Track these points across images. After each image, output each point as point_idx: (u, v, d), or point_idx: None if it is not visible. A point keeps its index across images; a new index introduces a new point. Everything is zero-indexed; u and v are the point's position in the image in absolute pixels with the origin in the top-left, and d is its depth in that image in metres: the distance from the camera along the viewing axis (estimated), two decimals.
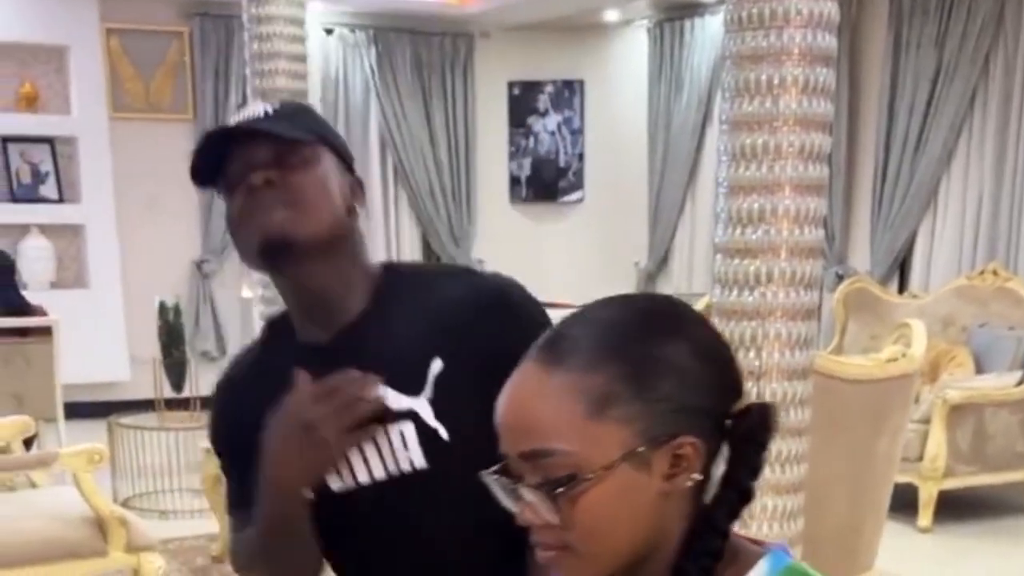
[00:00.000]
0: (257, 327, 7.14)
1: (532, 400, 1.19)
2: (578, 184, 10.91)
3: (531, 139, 10.91)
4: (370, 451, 1.73)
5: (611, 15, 10.07)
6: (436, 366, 1.72)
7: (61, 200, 9.24)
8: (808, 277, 3.48)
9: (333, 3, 9.62)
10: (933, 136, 7.76)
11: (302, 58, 6.83)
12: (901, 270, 8.17)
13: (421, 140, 10.40)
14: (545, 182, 10.97)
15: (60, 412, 6.99)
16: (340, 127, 10.08)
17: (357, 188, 1.83)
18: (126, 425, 6.47)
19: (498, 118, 10.84)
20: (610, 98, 10.63)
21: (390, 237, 10.50)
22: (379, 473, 1.73)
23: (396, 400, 1.71)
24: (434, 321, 1.75)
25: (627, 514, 1.19)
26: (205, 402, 6.68)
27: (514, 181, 10.99)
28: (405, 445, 1.72)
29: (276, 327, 1.89)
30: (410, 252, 10.61)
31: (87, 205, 9.27)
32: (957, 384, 6.48)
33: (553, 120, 10.88)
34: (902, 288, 8.03)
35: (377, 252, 10.33)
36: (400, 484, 1.73)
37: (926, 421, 6.27)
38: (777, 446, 3.40)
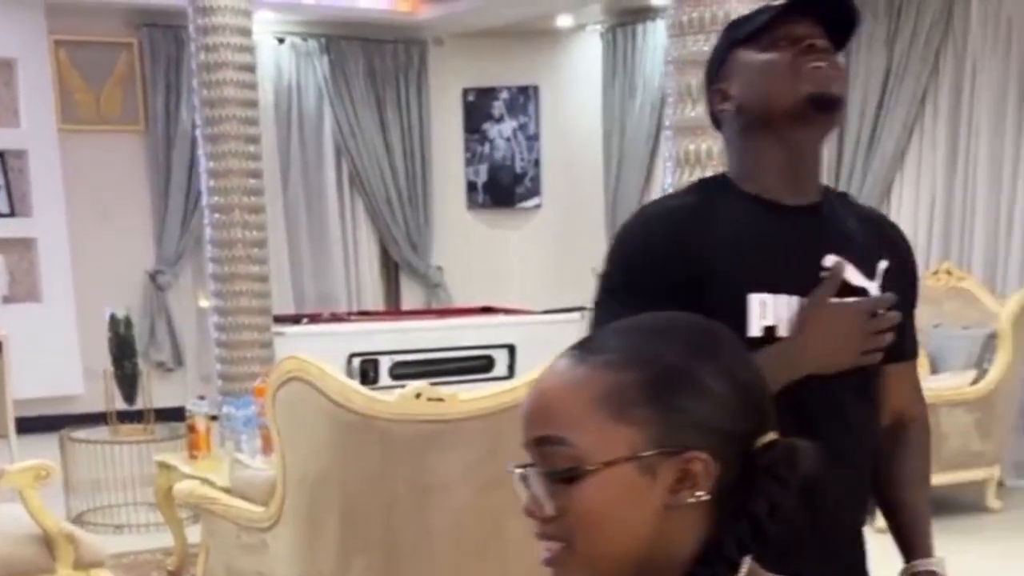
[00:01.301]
0: (214, 336, 7.11)
1: (552, 389, 1.22)
2: (535, 190, 10.90)
3: (487, 145, 10.91)
4: None
5: (564, 20, 10.08)
6: (883, 264, 1.96)
7: (12, 214, 9.15)
8: None
9: (284, 12, 9.58)
10: (886, 136, 7.79)
11: (250, 68, 6.81)
12: None
13: (376, 147, 10.37)
14: (502, 188, 10.97)
15: (12, 428, 6.92)
16: (294, 136, 10.09)
17: None
18: (77, 439, 6.40)
19: (453, 124, 10.83)
20: (565, 103, 10.63)
21: (347, 244, 10.47)
22: None
23: (856, 277, 1.94)
24: (877, 230, 2.04)
25: (625, 518, 1.18)
26: (159, 414, 6.66)
27: (471, 187, 10.99)
28: None
29: (708, 183, 2.06)
30: (368, 259, 10.59)
31: (38, 218, 9.18)
32: None
33: (508, 126, 10.87)
34: None
35: (335, 260, 10.30)
36: None
37: None
38: None
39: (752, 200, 1.97)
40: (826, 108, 1.94)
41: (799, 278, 1.91)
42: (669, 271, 1.91)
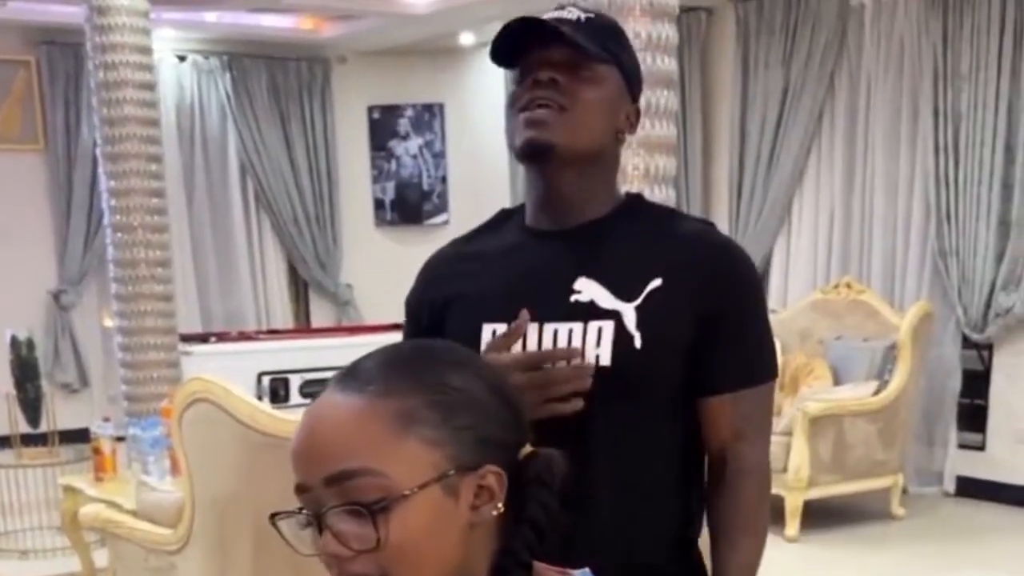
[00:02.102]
0: (119, 356, 7.04)
1: (333, 424, 1.18)
2: (442, 207, 10.92)
3: (393, 162, 10.90)
4: (564, 339, 1.83)
5: (466, 38, 10.10)
6: (655, 283, 1.82)
7: None
8: None
9: (185, 30, 9.50)
10: (784, 154, 7.92)
11: (150, 86, 6.74)
12: None
13: (281, 165, 10.32)
14: (409, 205, 10.97)
15: None
16: (198, 153, 10.00)
17: (633, 116, 1.95)
18: None
19: (359, 142, 10.82)
20: (470, 120, 10.67)
21: (254, 262, 10.40)
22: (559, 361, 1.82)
23: (606, 300, 1.82)
24: (666, 247, 1.86)
25: (438, 541, 1.18)
26: (66, 436, 6.56)
27: (378, 204, 10.98)
28: (599, 342, 1.81)
29: (508, 213, 2.03)
30: (276, 277, 10.53)
31: None
32: (816, 396, 6.61)
33: (415, 143, 10.88)
34: None
35: (242, 279, 10.23)
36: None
37: (788, 433, 6.39)
38: None
39: (522, 229, 1.94)
40: (536, 158, 1.85)
41: (547, 305, 1.84)
42: (424, 301, 2.00)
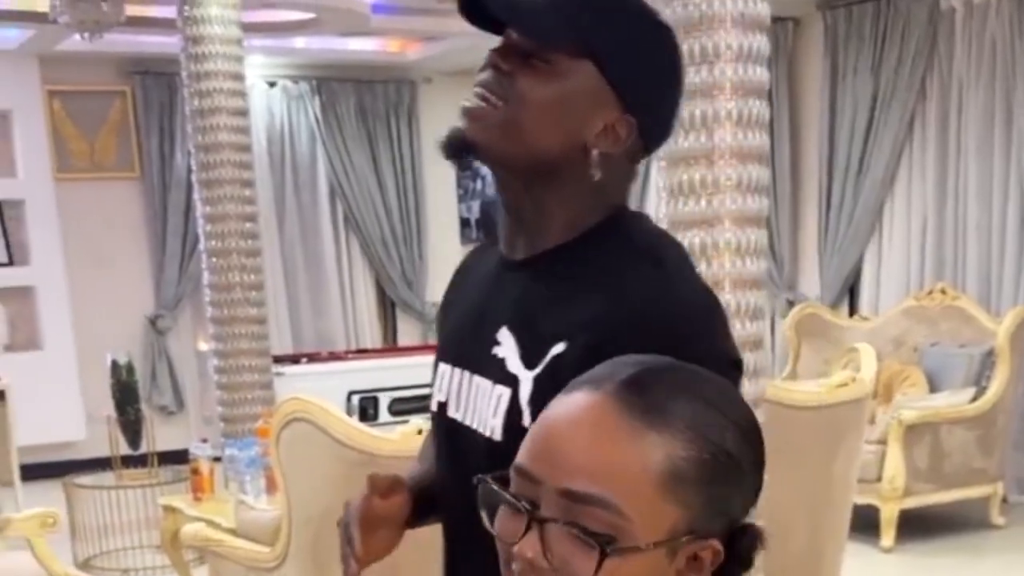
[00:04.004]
0: (215, 379, 7.15)
1: (613, 444, 1.08)
2: None
3: (479, 181, 10.95)
4: (477, 398, 1.58)
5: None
6: (557, 348, 1.46)
7: (11, 263, 9.17)
8: (752, 308, 3.50)
9: (274, 56, 9.64)
10: (875, 161, 7.84)
11: (243, 112, 6.83)
12: (851, 293, 8.23)
13: (370, 187, 10.43)
14: (495, 224, 10.99)
15: (16, 475, 6.94)
16: (288, 177, 10.13)
17: (623, 129, 1.52)
18: (81, 485, 6.42)
19: (445, 162, 10.79)
20: None
21: (343, 283, 10.51)
22: (468, 420, 1.59)
23: (513, 362, 1.52)
24: (587, 300, 1.47)
25: None
26: (163, 457, 6.67)
27: (464, 223, 11.03)
28: (495, 412, 1.53)
29: None
30: (364, 297, 10.63)
31: (36, 267, 9.22)
32: (911, 404, 6.53)
33: None
34: (852, 311, 8.09)
35: (332, 300, 10.34)
36: (473, 438, 1.57)
37: (883, 442, 6.31)
38: None
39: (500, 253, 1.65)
40: (452, 154, 1.58)
41: (476, 355, 1.57)
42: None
